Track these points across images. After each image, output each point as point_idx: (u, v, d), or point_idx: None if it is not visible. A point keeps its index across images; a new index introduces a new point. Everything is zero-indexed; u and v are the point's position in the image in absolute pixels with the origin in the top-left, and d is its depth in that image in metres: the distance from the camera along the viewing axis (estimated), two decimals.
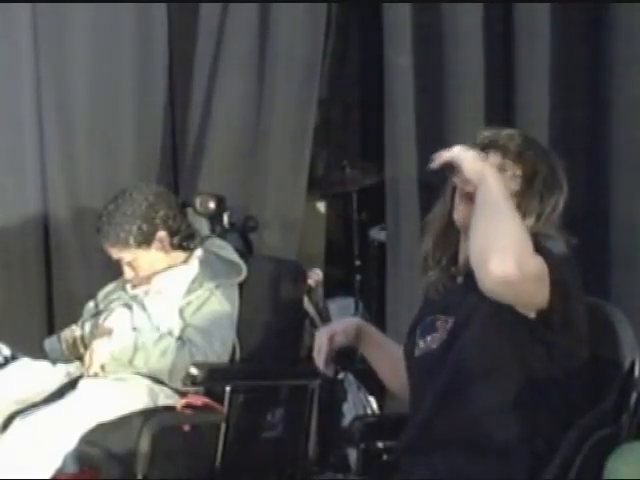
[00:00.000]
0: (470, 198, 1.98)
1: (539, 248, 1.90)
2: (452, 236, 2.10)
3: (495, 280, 1.84)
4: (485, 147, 2.07)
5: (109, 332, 2.89)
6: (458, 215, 2.05)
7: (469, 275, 1.95)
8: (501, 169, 2.03)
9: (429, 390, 2.01)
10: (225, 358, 2.87)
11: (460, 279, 2.07)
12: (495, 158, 2.05)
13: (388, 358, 2.27)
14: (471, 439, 1.94)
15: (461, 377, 1.97)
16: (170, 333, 2.90)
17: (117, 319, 2.94)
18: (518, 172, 2.04)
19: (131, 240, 2.94)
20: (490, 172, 1.93)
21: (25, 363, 2.95)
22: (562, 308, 1.91)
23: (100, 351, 2.86)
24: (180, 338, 2.88)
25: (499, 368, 1.94)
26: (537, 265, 1.86)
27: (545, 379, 1.93)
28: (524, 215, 1.99)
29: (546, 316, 1.91)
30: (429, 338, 2.05)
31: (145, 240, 2.95)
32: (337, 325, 2.30)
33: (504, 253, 1.83)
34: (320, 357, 2.18)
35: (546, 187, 2.04)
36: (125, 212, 2.95)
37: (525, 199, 2.02)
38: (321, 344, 2.18)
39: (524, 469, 1.89)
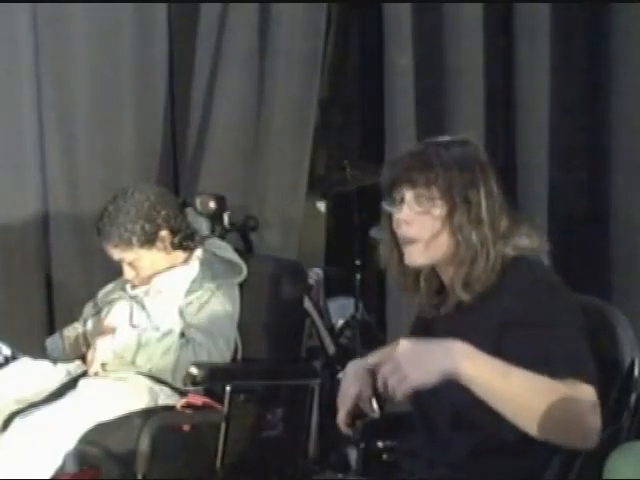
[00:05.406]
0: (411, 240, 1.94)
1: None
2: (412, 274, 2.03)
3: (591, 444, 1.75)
4: (391, 187, 1.97)
5: (112, 330, 2.89)
6: (409, 260, 1.97)
7: (459, 305, 1.93)
8: (419, 202, 1.93)
9: (438, 415, 1.98)
10: (228, 357, 2.87)
11: (449, 308, 1.98)
12: (409, 194, 1.94)
13: None
14: (472, 449, 1.93)
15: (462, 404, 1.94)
16: (171, 333, 2.90)
17: (118, 315, 2.95)
18: (436, 194, 1.92)
19: (134, 240, 2.92)
20: (462, 366, 1.68)
21: (25, 363, 2.95)
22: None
23: (103, 349, 2.86)
24: (183, 336, 2.88)
25: None
26: (590, 404, 1.72)
27: None
28: (469, 231, 1.89)
29: None
30: None
31: (148, 240, 2.94)
32: (352, 386, 2.04)
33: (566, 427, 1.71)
34: (340, 420, 2.06)
35: (464, 188, 1.92)
36: (127, 212, 2.93)
37: (457, 216, 1.91)
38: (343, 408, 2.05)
39: (525, 469, 1.89)
